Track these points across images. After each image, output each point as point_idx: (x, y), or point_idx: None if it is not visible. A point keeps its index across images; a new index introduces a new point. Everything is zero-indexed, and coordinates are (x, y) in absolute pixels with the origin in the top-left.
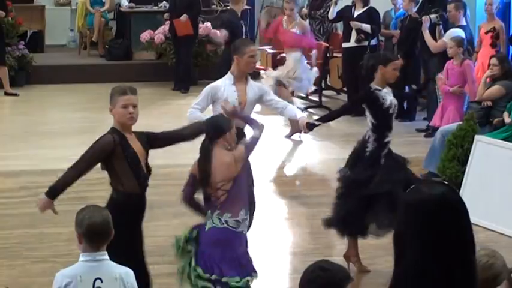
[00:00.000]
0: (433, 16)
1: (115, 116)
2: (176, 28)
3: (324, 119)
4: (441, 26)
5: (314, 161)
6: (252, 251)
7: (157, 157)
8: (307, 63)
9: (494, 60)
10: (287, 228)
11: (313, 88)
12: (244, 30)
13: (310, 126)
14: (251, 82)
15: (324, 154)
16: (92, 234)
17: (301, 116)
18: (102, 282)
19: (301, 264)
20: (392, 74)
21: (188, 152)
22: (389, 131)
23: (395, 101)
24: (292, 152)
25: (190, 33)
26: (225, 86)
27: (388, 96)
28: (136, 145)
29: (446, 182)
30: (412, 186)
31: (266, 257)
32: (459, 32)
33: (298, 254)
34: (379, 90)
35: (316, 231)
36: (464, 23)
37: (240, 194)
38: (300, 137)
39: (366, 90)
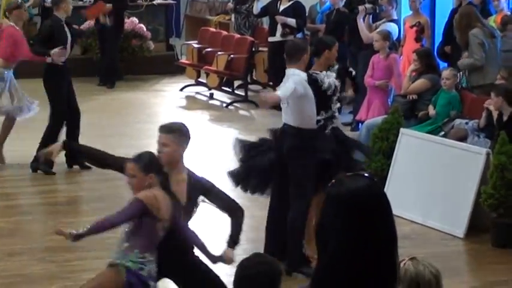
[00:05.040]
0: (368, 6)
1: None
2: (90, 9)
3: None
4: (370, 16)
5: None
6: None
7: None
8: None
9: (414, 56)
10: None
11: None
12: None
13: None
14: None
15: None
16: None
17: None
18: None
19: None
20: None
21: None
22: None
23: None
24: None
25: (98, 14)
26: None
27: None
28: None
29: (366, 174)
30: (334, 180)
31: None
32: (393, 26)
33: None
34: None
35: None
36: (395, 17)
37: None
38: None
39: None
